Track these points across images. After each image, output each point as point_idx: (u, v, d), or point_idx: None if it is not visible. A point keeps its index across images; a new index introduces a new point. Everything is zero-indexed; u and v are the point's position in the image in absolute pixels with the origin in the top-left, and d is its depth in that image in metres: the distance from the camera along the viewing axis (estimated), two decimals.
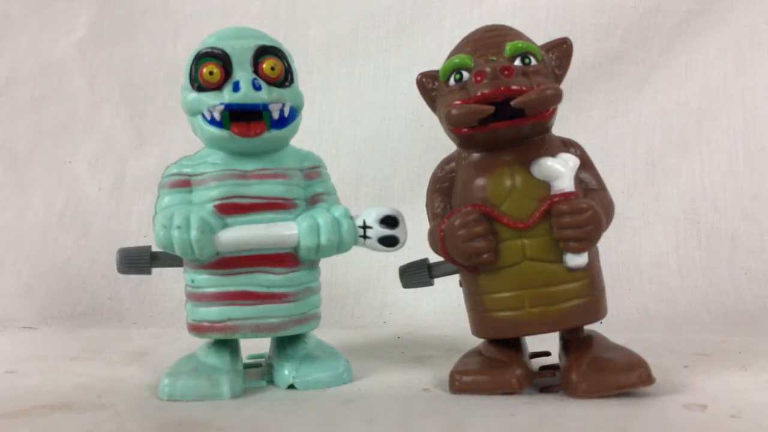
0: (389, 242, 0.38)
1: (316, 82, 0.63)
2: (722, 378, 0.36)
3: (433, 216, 0.37)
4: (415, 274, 0.38)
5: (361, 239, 0.38)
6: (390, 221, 0.38)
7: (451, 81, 0.35)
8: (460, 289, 0.38)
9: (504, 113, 0.33)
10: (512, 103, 0.33)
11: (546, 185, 0.34)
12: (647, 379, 0.32)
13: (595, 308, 0.35)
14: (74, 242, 0.63)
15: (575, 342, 0.36)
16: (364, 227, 0.38)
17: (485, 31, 0.36)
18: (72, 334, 0.56)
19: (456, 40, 0.38)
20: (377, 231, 0.38)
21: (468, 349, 0.39)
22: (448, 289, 0.57)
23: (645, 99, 0.64)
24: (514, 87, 0.33)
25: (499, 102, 0.33)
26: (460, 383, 0.35)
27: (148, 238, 0.37)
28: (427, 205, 0.38)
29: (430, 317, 0.57)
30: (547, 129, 0.36)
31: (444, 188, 0.37)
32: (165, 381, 0.35)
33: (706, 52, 0.64)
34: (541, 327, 0.34)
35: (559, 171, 0.34)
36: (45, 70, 0.66)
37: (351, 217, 0.38)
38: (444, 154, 0.38)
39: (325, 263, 0.39)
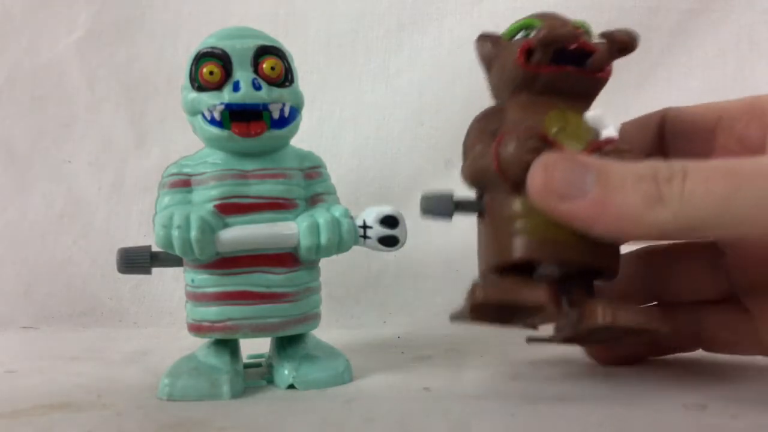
0: (389, 242, 0.38)
1: (316, 82, 0.63)
2: (722, 378, 0.36)
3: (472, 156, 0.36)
4: (440, 203, 0.37)
5: (361, 239, 0.38)
6: (390, 221, 0.38)
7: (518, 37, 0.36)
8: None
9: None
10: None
11: (594, 131, 0.34)
12: (662, 324, 0.32)
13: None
14: (74, 242, 0.63)
15: (593, 290, 0.35)
16: (364, 227, 0.38)
17: (544, 12, 0.37)
18: (72, 334, 0.56)
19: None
20: (377, 231, 0.38)
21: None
22: (449, 289, 0.57)
23: (645, 99, 0.64)
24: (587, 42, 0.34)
25: (568, 51, 0.34)
26: (484, 292, 0.32)
27: (148, 238, 0.37)
28: (466, 144, 0.37)
29: (430, 317, 0.57)
30: (599, 90, 0.36)
31: (493, 130, 0.36)
32: (165, 381, 0.35)
33: (706, 51, 0.64)
34: (577, 254, 0.33)
35: (608, 122, 0.34)
36: (44, 69, 0.66)
37: (351, 217, 0.38)
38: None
39: (325, 263, 0.39)
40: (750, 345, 0.36)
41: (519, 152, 0.33)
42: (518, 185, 0.34)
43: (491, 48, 0.37)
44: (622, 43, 0.34)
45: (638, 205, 0.28)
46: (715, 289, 0.37)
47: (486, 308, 0.33)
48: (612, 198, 0.29)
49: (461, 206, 0.37)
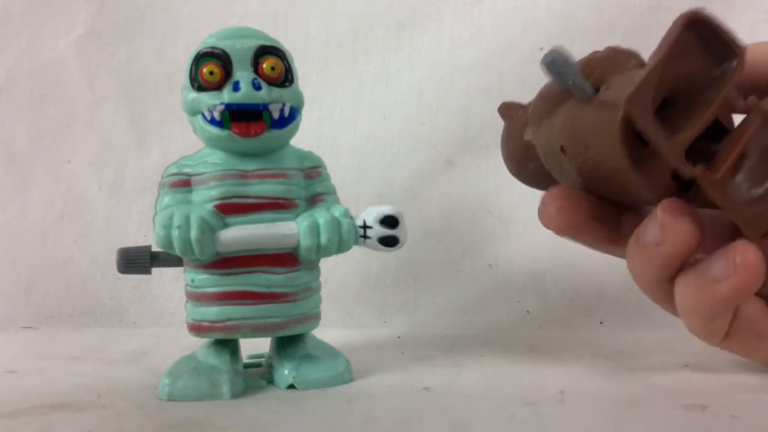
0: (389, 242, 0.38)
1: (316, 82, 0.63)
2: (722, 378, 0.36)
3: None
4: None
5: (361, 239, 0.38)
6: (390, 221, 0.38)
7: None
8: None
9: None
10: None
11: None
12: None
13: None
14: (74, 242, 0.63)
15: None
16: (364, 227, 0.38)
17: None
18: (72, 334, 0.56)
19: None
20: (377, 231, 0.38)
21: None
22: (449, 289, 0.57)
23: None
24: None
25: None
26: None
27: (148, 238, 0.37)
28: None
29: (430, 317, 0.57)
30: None
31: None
32: (165, 381, 0.35)
33: None
34: None
35: None
36: (44, 69, 0.66)
37: (351, 217, 0.38)
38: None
39: (325, 263, 0.39)
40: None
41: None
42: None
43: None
44: None
45: None
46: None
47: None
48: None
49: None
